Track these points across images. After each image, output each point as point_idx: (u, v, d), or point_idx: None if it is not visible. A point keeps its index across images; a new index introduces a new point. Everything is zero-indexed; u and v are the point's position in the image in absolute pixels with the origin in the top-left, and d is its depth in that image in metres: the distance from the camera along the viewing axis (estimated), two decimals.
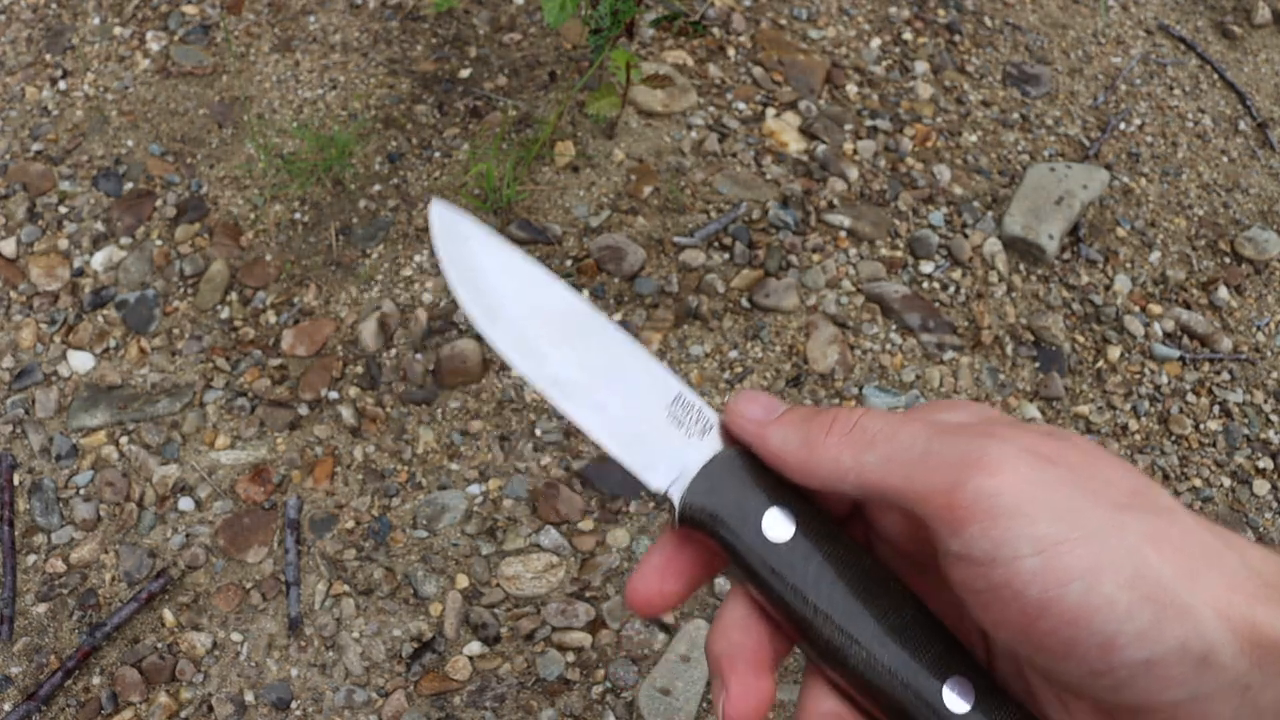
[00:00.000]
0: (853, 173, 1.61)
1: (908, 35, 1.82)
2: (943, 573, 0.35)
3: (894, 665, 0.36)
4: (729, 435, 0.41)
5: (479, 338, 1.39)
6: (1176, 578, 0.31)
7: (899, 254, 1.54)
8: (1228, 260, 1.65)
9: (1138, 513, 0.33)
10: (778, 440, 0.38)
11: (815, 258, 1.51)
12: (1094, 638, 0.31)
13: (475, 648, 1.18)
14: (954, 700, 0.35)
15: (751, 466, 0.40)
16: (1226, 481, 1.43)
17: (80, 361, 1.35)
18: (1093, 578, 0.31)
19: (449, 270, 0.43)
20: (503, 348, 0.41)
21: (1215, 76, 1.90)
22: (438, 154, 1.56)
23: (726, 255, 1.49)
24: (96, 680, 1.15)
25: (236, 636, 1.18)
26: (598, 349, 0.42)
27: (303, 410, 1.33)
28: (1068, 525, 0.32)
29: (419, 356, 1.37)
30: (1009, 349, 1.49)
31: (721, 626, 0.40)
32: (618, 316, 1.42)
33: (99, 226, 1.47)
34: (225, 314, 1.40)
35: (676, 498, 0.40)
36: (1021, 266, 1.57)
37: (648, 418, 0.41)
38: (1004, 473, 0.33)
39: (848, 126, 1.67)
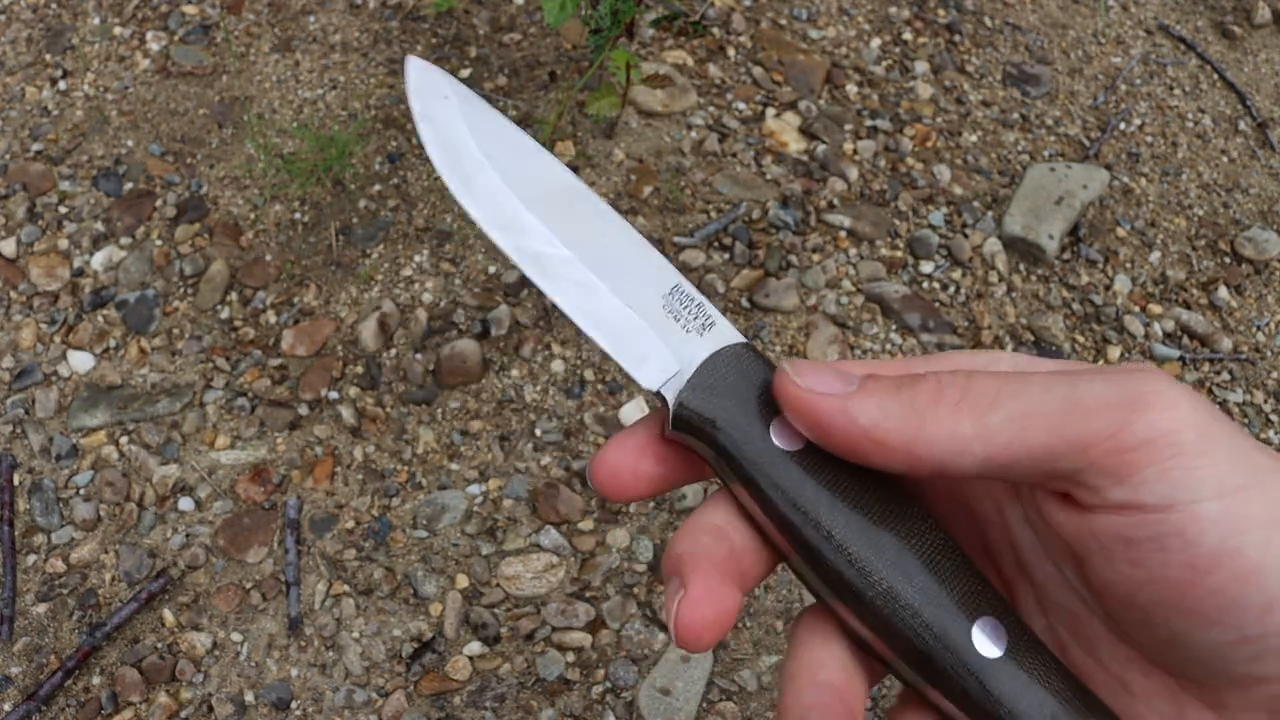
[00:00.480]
0: (853, 173, 1.61)
1: (908, 35, 1.82)
2: (1062, 532, 0.31)
3: (916, 600, 0.31)
4: (731, 336, 0.36)
5: (479, 338, 1.39)
6: None
7: (899, 254, 1.54)
8: (1228, 260, 1.65)
9: None
10: (872, 414, 0.31)
11: (815, 258, 1.51)
12: (1260, 596, 0.28)
13: (475, 648, 1.18)
14: (984, 643, 0.31)
15: (760, 365, 0.34)
16: None
17: (80, 361, 1.35)
18: (1271, 529, 0.28)
19: (424, 130, 0.37)
20: (479, 217, 0.36)
21: (1215, 76, 1.90)
22: None
23: (726, 255, 1.49)
24: (96, 680, 1.15)
25: (236, 636, 1.18)
26: (587, 227, 0.37)
27: (303, 410, 1.33)
28: (1244, 470, 0.29)
29: (419, 356, 1.37)
30: (1009, 349, 1.49)
31: (690, 527, 0.34)
32: None
33: (99, 226, 1.47)
34: (225, 314, 1.40)
35: (670, 397, 0.35)
36: (1021, 266, 1.57)
37: (641, 307, 0.36)
38: (1178, 407, 0.29)
39: (848, 126, 1.67)
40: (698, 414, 0.34)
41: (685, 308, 0.36)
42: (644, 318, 0.36)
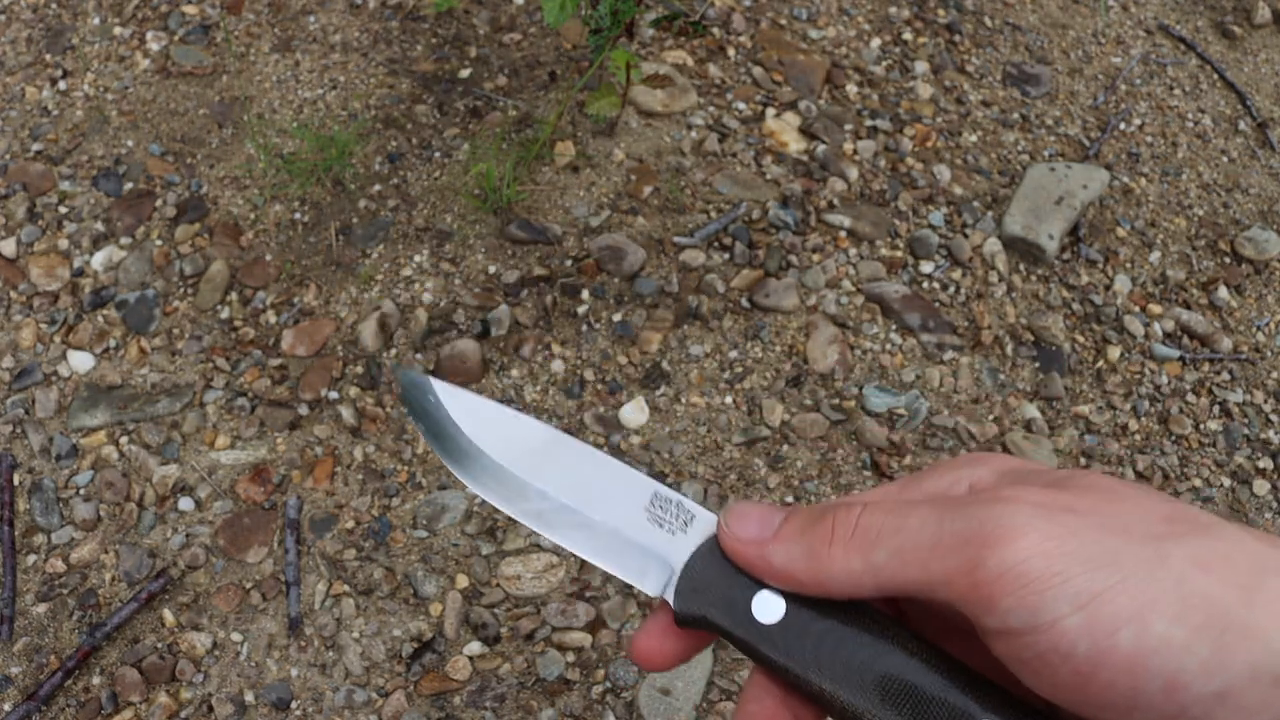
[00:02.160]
0: (853, 173, 1.61)
1: (908, 35, 1.82)
2: (989, 646, 0.34)
3: None
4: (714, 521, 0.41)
5: (479, 338, 1.39)
6: (1231, 596, 0.30)
7: (899, 254, 1.54)
8: (1228, 260, 1.65)
9: (1177, 540, 0.31)
10: (781, 560, 0.37)
11: (815, 258, 1.51)
12: (1155, 681, 0.29)
13: (475, 648, 1.18)
14: None
15: None
16: (1226, 481, 1.43)
17: (80, 361, 1.35)
18: (1142, 619, 0.30)
19: (419, 428, 0.44)
20: (484, 494, 0.42)
21: (1215, 76, 1.90)
22: (438, 154, 1.56)
23: (726, 255, 1.49)
24: (96, 680, 1.15)
25: (236, 636, 1.18)
26: (570, 471, 0.42)
27: (303, 410, 1.33)
28: (1105, 572, 0.30)
29: (419, 356, 1.37)
30: (1009, 349, 1.49)
31: (742, 698, 0.39)
32: (618, 316, 1.42)
33: (99, 226, 1.47)
34: (225, 314, 1.40)
35: (670, 599, 0.39)
36: (1021, 266, 1.57)
37: (629, 527, 0.41)
38: (1025, 537, 0.31)
39: (848, 126, 1.67)
40: (690, 614, 0.39)
41: (666, 511, 0.41)
42: (633, 535, 0.41)
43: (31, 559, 1.22)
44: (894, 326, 1.47)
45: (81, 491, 1.26)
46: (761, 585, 0.38)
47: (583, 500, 0.41)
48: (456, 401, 0.43)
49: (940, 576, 0.33)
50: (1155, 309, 1.57)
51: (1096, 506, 0.32)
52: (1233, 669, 0.29)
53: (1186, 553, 0.31)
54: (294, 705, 1.14)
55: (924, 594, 0.34)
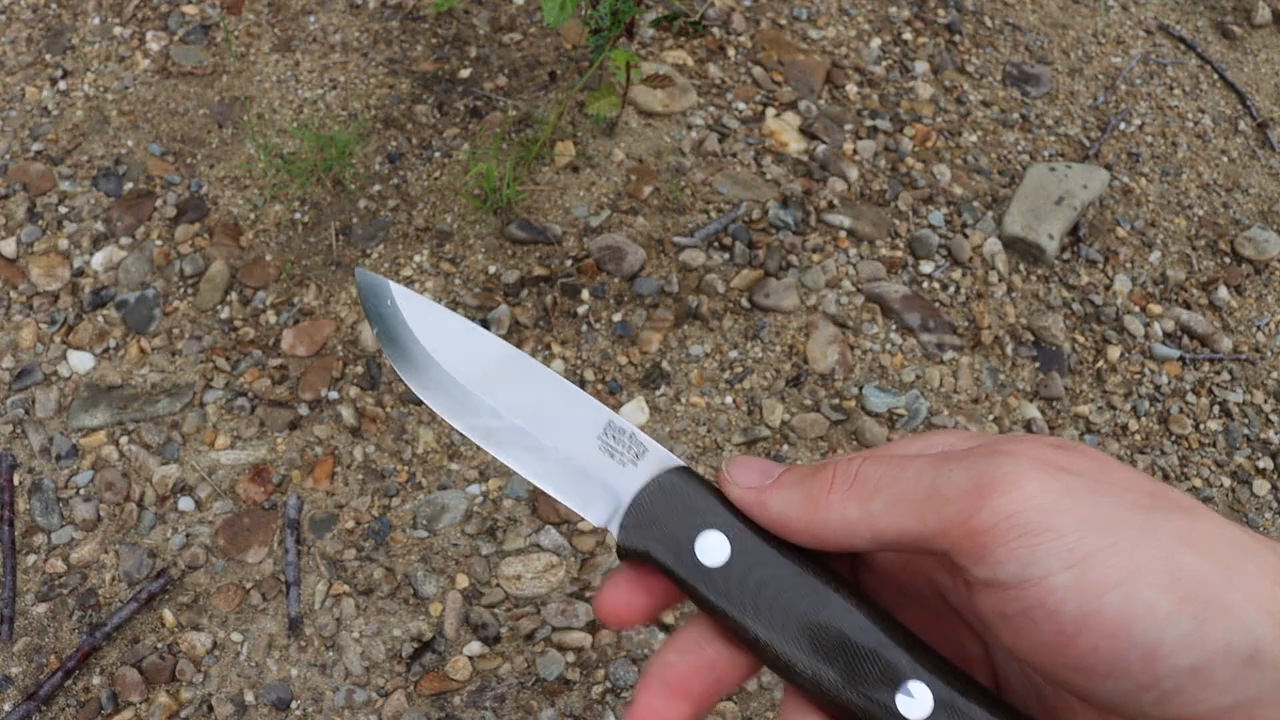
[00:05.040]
0: (853, 173, 1.61)
1: (908, 35, 1.82)
2: (968, 603, 0.34)
3: (843, 680, 0.35)
4: (666, 458, 0.40)
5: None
6: (1214, 575, 0.30)
7: (899, 254, 1.54)
8: (1228, 260, 1.65)
9: (1164, 513, 0.31)
10: (779, 505, 0.37)
11: (815, 258, 1.51)
12: (1136, 649, 0.30)
13: (475, 648, 1.18)
14: (910, 706, 0.35)
15: (683, 490, 0.39)
16: (1226, 481, 1.43)
17: (80, 361, 1.35)
18: (1129, 585, 0.30)
19: (376, 333, 0.43)
20: (436, 407, 0.42)
21: (1215, 76, 1.90)
22: (438, 154, 1.56)
23: (726, 255, 1.49)
24: (96, 680, 1.15)
25: (236, 636, 1.18)
26: (525, 391, 0.41)
27: (303, 410, 1.33)
28: (1097, 534, 0.31)
29: None
30: (1009, 349, 1.49)
31: (665, 646, 0.39)
32: (618, 316, 1.42)
33: (99, 226, 1.47)
34: (225, 314, 1.40)
35: (614, 530, 0.39)
36: (1021, 266, 1.57)
37: (579, 453, 0.40)
38: (1021, 488, 0.32)
39: (848, 126, 1.67)
40: (633, 548, 0.38)
41: (619, 441, 0.40)
42: (583, 462, 0.40)
43: (31, 559, 1.22)
44: (894, 326, 1.47)
45: (81, 491, 1.26)
46: (706, 526, 0.38)
47: (534, 422, 0.41)
48: (414, 308, 0.43)
49: (935, 526, 0.33)
50: (1155, 309, 1.57)
51: (1091, 471, 0.33)
52: (1210, 645, 0.30)
53: (1174, 527, 0.31)
54: (294, 705, 1.14)
55: (917, 545, 0.34)
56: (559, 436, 0.41)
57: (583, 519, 1.27)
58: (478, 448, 1.31)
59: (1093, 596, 0.30)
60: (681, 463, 0.40)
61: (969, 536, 0.32)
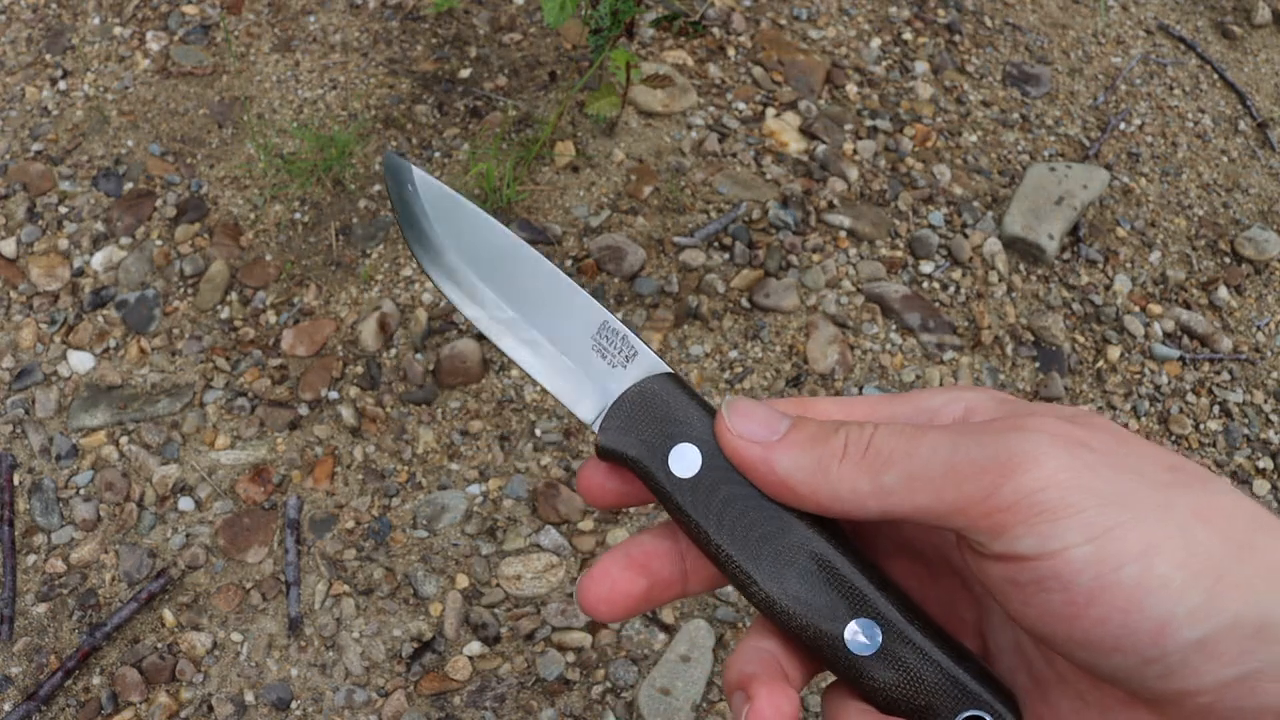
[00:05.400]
0: (853, 173, 1.61)
1: (908, 35, 1.82)
2: (975, 568, 0.34)
3: (795, 605, 0.36)
4: (654, 362, 0.41)
5: (479, 338, 1.39)
6: (1227, 549, 0.30)
7: (899, 254, 1.54)
8: (1228, 260, 1.65)
9: (1182, 488, 0.32)
10: (786, 466, 0.35)
11: (815, 258, 1.51)
12: (1147, 622, 0.30)
13: (475, 648, 1.18)
14: (857, 642, 0.35)
15: (667, 397, 0.39)
16: (1226, 481, 1.43)
17: (80, 361, 1.35)
18: (1146, 559, 0.30)
19: (399, 219, 0.44)
20: (444, 289, 0.43)
21: (1215, 76, 1.90)
22: (438, 154, 1.56)
23: (726, 255, 1.49)
24: (96, 680, 1.15)
25: (236, 636, 1.18)
26: (526, 284, 0.42)
27: (303, 410, 1.33)
28: (1117, 509, 0.31)
29: (419, 356, 1.37)
30: (1009, 349, 1.49)
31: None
32: (618, 316, 1.42)
33: (99, 226, 1.47)
34: (225, 314, 1.40)
35: (595, 428, 0.40)
36: (1021, 266, 1.57)
37: (572, 351, 0.41)
38: (1042, 466, 0.31)
39: (848, 126, 1.67)
40: (611, 448, 0.39)
41: (611, 343, 0.41)
42: (575, 360, 0.41)
43: (31, 559, 1.22)
44: (894, 326, 1.47)
45: (81, 491, 1.26)
46: (681, 438, 0.38)
47: (531, 314, 0.42)
48: (432, 193, 0.43)
49: (953, 503, 0.32)
50: (1155, 309, 1.57)
51: (1110, 446, 0.33)
52: (1218, 618, 0.30)
53: (1189, 502, 0.31)
54: (294, 705, 1.14)
55: (930, 520, 0.33)
56: (555, 331, 0.41)
57: (592, 520, 1.27)
58: (477, 447, 1.31)
59: (1109, 570, 0.30)
60: (668, 369, 0.40)
61: (988, 515, 0.32)
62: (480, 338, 1.39)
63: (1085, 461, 0.32)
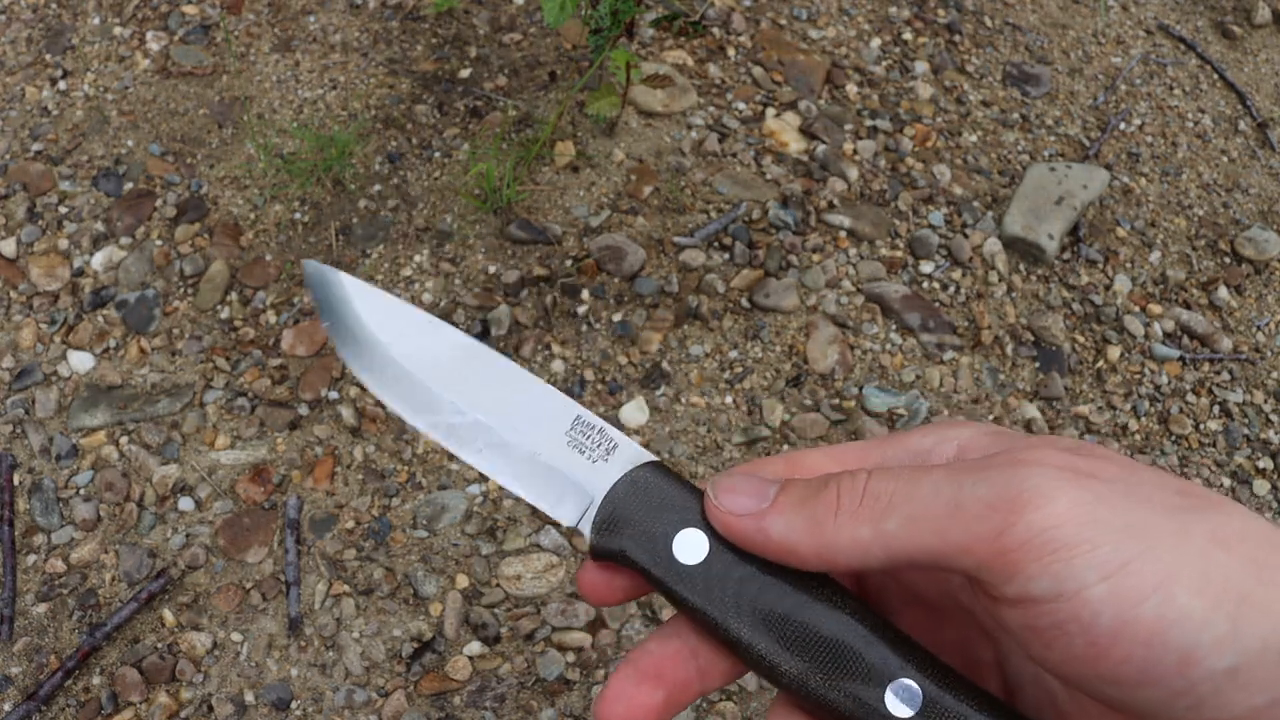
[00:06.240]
0: (853, 173, 1.61)
1: (908, 35, 1.82)
2: (990, 614, 0.33)
3: (828, 679, 0.34)
4: (634, 454, 0.38)
5: (479, 338, 1.39)
6: (1246, 573, 0.29)
7: (899, 254, 1.54)
8: (1228, 260, 1.65)
9: (1196, 513, 0.31)
10: (782, 530, 0.34)
11: (815, 258, 1.51)
12: (1171, 655, 0.29)
13: (475, 648, 1.18)
14: (897, 705, 0.34)
15: (659, 485, 0.37)
16: (1226, 481, 1.43)
17: (80, 361, 1.35)
18: (1166, 591, 0.29)
19: (328, 328, 0.41)
20: (392, 403, 0.39)
21: (1215, 76, 1.90)
22: (438, 154, 1.56)
23: (726, 255, 1.49)
24: (96, 680, 1.15)
25: (236, 636, 1.18)
26: (487, 387, 0.39)
27: (303, 410, 1.33)
28: (1133, 542, 0.30)
29: None
30: (1009, 349, 1.49)
31: (648, 637, 0.37)
32: (618, 316, 1.42)
33: (99, 226, 1.47)
34: (225, 314, 1.40)
35: (586, 532, 0.38)
36: (1021, 266, 1.57)
37: (547, 450, 0.38)
38: (1055, 502, 0.30)
39: (848, 126, 1.67)
40: (608, 548, 0.37)
41: (588, 437, 0.38)
42: (551, 459, 0.38)
43: (31, 559, 1.22)
44: (894, 326, 1.47)
45: (81, 491, 1.26)
46: (684, 524, 0.36)
47: (499, 418, 0.39)
48: (366, 300, 0.40)
49: (960, 543, 0.31)
50: (1155, 309, 1.57)
51: (1116, 475, 0.32)
52: (1246, 644, 0.29)
53: (1205, 527, 0.30)
54: (294, 705, 1.14)
55: (937, 563, 0.32)
56: (524, 432, 0.39)
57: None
58: None
59: (1129, 606, 0.29)
60: (653, 457, 0.38)
61: (1000, 554, 0.31)
62: (481, 337, 1.39)
63: (1095, 493, 0.31)
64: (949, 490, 0.32)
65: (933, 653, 0.35)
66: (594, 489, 0.38)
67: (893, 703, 0.33)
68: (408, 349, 0.40)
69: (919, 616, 0.39)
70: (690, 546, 0.36)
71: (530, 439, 0.39)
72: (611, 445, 0.38)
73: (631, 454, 0.38)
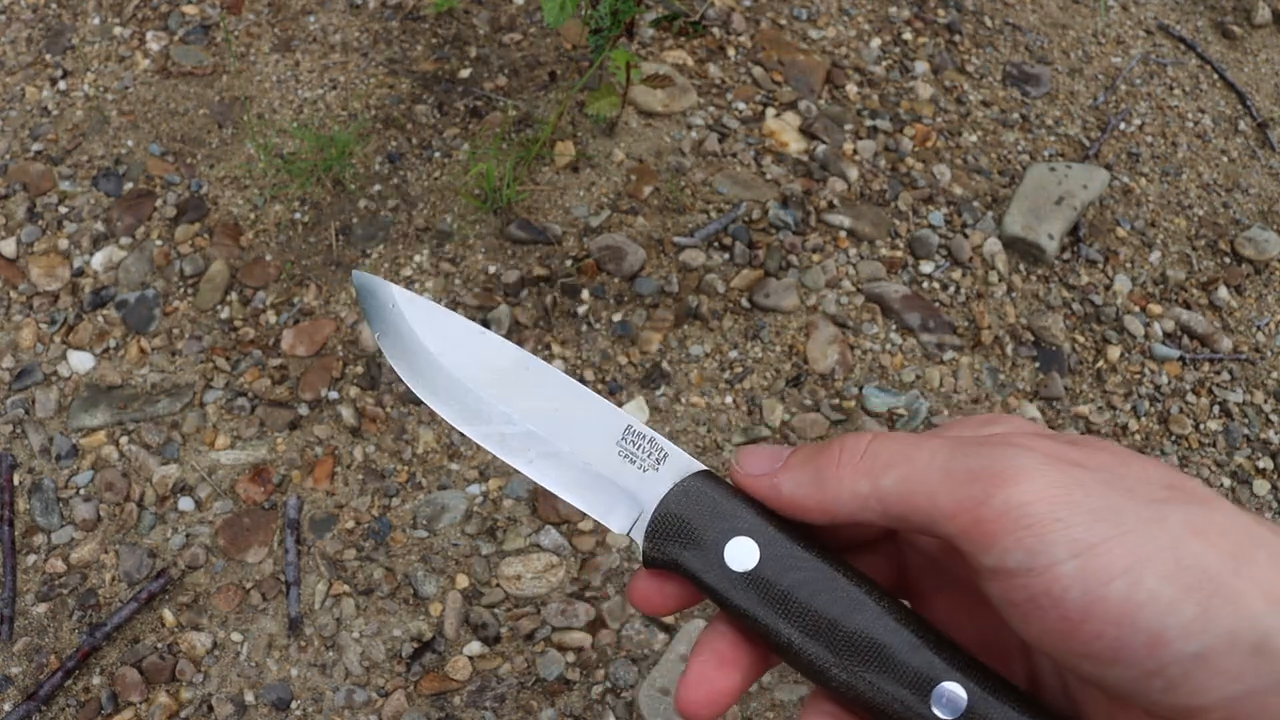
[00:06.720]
0: (853, 173, 1.61)
1: (908, 35, 1.82)
2: (978, 589, 0.34)
3: (875, 682, 0.35)
4: (688, 462, 0.39)
5: None
6: (1222, 564, 0.30)
7: (899, 254, 1.54)
8: (1228, 260, 1.65)
9: (1177, 504, 0.32)
10: (790, 486, 0.37)
11: (815, 258, 1.51)
12: (1140, 635, 0.30)
13: (475, 648, 1.18)
14: (942, 709, 0.35)
15: (710, 494, 0.38)
16: (1226, 481, 1.43)
17: (80, 361, 1.35)
18: (1134, 574, 0.30)
19: (381, 342, 0.41)
20: (446, 414, 0.40)
21: (1215, 76, 1.90)
22: (438, 154, 1.56)
23: (726, 255, 1.49)
24: (96, 680, 1.15)
25: (236, 636, 1.18)
26: (538, 396, 0.40)
27: (303, 410, 1.33)
28: (1106, 525, 0.31)
29: None
30: (1009, 349, 1.49)
31: (716, 618, 0.39)
32: (618, 316, 1.42)
33: (99, 226, 1.47)
34: (225, 314, 1.40)
35: (639, 540, 0.38)
36: (1021, 266, 1.57)
37: (598, 460, 0.39)
38: (1031, 481, 0.32)
39: (848, 126, 1.67)
40: (661, 557, 0.38)
41: (638, 447, 0.40)
42: (602, 469, 0.39)
43: (31, 559, 1.22)
44: (894, 326, 1.47)
45: (81, 491, 1.26)
46: (735, 531, 0.37)
47: (550, 428, 0.40)
48: (419, 311, 0.41)
49: (945, 509, 0.33)
50: (1155, 309, 1.57)
51: (1105, 465, 0.33)
52: (1214, 633, 0.30)
53: (1184, 518, 0.31)
54: (294, 705, 1.14)
55: (926, 527, 0.34)
56: (576, 442, 0.40)
57: (592, 520, 1.27)
58: (478, 447, 1.31)
59: (1097, 584, 0.31)
60: (703, 466, 0.39)
61: (977, 524, 0.32)
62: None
63: (1075, 479, 0.32)
64: (943, 458, 0.34)
65: (973, 655, 0.36)
66: (645, 498, 0.39)
67: (938, 706, 0.35)
68: (459, 359, 0.41)
69: (952, 600, 0.40)
70: (741, 554, 0.37)
71: (582, 449, 0.40)
72: (662, 455, 0.39)
73: (683, 464, 0.39)
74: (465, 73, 1.66)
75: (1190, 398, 1.50)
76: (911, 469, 0.34)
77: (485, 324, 1.40)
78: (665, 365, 1.39)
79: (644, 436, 0.40)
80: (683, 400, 1.37)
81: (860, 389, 1.40)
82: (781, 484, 0.37)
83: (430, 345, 0.41)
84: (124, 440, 1.30)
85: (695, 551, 0.37)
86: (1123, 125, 1.79)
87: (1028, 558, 0.31)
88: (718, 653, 0.38)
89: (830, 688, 0.36)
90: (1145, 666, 0.31)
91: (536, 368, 0.41)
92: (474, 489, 1.28)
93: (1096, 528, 0.31)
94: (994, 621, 0.39)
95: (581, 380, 1.37)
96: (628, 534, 0.39)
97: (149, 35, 1.67)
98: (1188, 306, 1.58)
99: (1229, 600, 0.30)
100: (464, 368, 0.41)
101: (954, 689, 0.35)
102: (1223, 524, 0.32)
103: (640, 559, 0.38)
